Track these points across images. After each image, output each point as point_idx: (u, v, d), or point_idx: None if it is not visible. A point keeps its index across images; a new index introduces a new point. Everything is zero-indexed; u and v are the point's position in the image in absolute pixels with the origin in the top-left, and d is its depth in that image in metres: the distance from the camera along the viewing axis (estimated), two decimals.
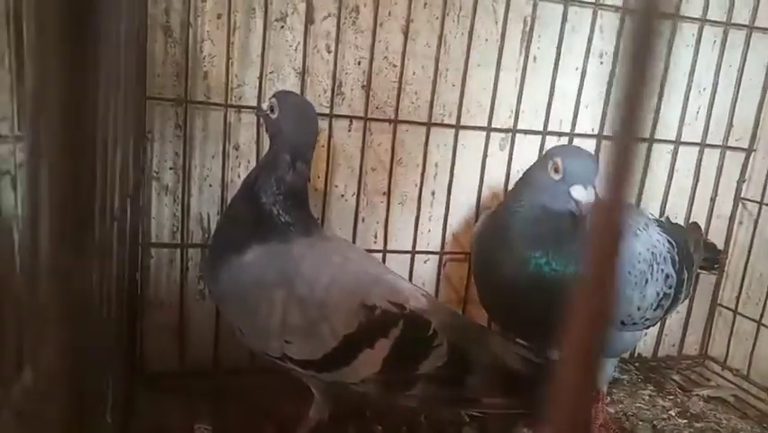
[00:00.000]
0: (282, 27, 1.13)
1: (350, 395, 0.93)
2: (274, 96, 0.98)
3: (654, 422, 1.23)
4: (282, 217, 0.94)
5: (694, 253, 1.19)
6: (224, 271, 0.93)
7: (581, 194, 0.90)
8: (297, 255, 0.92)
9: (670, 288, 1.05)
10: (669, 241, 1.06)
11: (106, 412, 0.74)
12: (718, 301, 1.53)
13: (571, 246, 0.94)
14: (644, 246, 1.02)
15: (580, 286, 0.24)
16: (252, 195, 0.95)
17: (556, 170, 0.93)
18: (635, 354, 1.50)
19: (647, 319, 1.04)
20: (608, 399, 1.25)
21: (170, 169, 1.14)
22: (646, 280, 1.01)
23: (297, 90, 1.15)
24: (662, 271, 1.03)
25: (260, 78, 1.12)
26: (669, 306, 1.07)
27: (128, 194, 0.94)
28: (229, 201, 1.07)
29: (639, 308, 1.01)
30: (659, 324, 1.32)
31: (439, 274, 1.33)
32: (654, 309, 1.04)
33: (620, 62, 0.23)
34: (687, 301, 1.44)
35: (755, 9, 1.37)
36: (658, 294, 1.03)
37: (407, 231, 1.29)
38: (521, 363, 0.90)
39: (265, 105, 0.99)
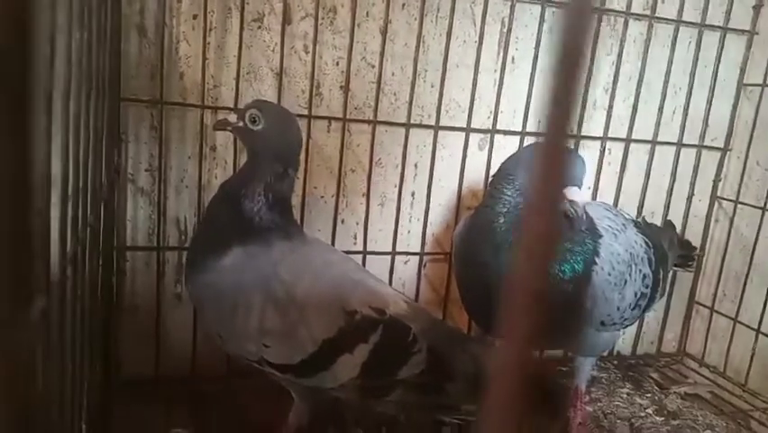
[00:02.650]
0: (259, 27, 1.12)
1: (329, 399, 0.92)
2: (254, 107, 0.94)
3: (632, 420, 1.24)
4: (264, 222, 0.93)
5: (669, 251, 1.20)
6: (203, 273, 0.92)
7: (576, 195, 0.90)
8: (277, 258, 0.91)
9: (647, 287, 1.06)
10: (645, 241, 1.07)
11: (82, 420, 0.73)
12: (695, 299, 1.55)
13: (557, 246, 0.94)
14: (623, 247, 1.02)
15: (511, 295, 0.24)
16: (234, 201, 0.93)
17: None
18: (615, 353, 1.51)
19: (626, 319, 1.05)
20: (587, 397, 1.25)
21: (146, 171, 1.12)
22: (625, 281, 1.02)
23: (275, 91, 1.13)
24: (640, 271, 1.04)
25: (237, 78, 1.11)
26: (646, 305, 1.08)
27: (103, 197, 0.93)
28: (207, 204, 1.05)
29: (618, 309, 1.02)
30: (637, 322, 1.33)
31: (419, 275, 1.33)
32: (633, 309, 1.04)
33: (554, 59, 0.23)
34: (665, 299, 1.45)
35: (728, 11, 1.38)
36: (636, 294, 1.03)
37: (387, 232, 1.28)
38: None
39: (232, 118, 0.95)
